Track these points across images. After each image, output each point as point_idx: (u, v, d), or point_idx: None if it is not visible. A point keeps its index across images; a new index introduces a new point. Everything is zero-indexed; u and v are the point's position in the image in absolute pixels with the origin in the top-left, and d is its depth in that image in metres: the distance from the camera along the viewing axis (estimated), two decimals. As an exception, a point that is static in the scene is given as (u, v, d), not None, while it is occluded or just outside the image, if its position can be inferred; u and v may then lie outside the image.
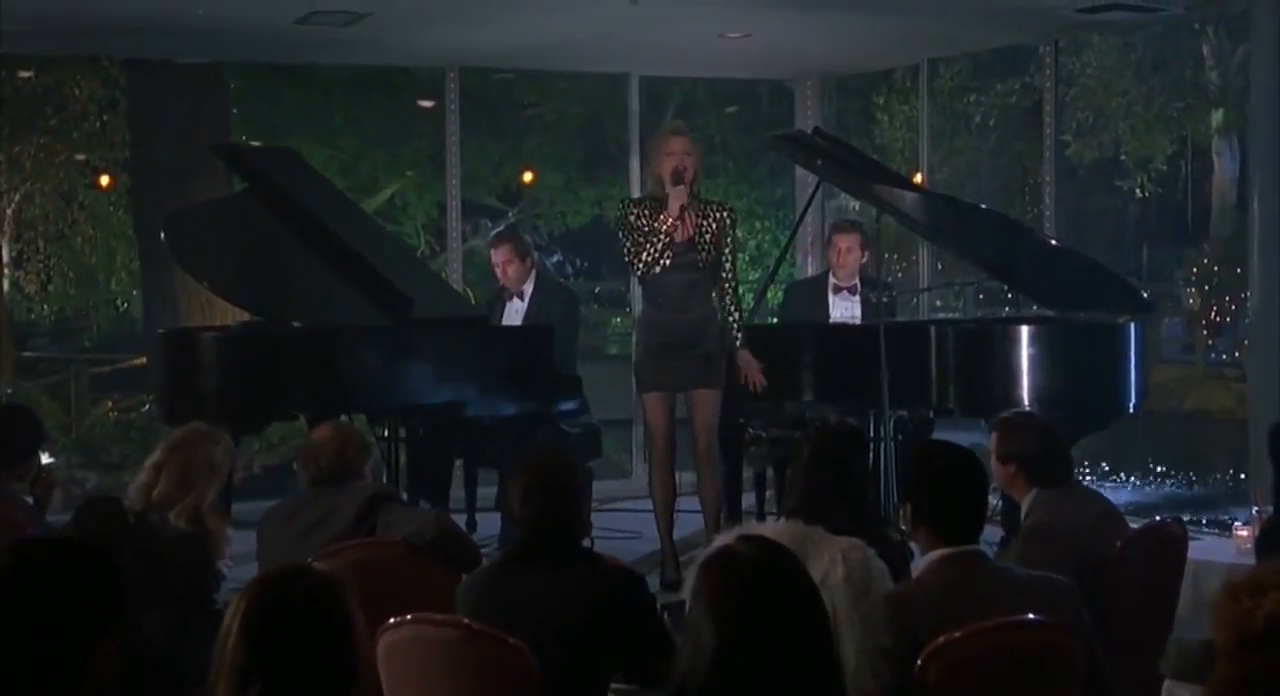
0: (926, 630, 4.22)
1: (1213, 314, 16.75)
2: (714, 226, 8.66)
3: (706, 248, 8.63)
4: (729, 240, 8.72)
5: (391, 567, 5.77)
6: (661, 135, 8.87)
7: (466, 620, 4.71)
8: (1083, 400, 8.50)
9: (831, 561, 4.75)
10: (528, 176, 18.09)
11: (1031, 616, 4.35)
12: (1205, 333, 16.80)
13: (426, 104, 15.07)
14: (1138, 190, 17.86)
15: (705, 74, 14.01)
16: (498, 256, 10.04)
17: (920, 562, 4.57)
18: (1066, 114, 16.23)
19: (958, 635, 4.19)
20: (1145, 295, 9.29)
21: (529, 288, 9.97)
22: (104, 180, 16.18)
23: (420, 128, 15.81)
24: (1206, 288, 16.94)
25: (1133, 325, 8.75)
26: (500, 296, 10.07)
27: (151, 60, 12.50)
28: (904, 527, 5.43)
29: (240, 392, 8.55)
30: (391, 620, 4.67)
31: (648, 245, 8.55)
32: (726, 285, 8.71)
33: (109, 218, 16.82)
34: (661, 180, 8.62)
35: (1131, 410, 8.86)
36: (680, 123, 9.31)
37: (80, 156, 16.35)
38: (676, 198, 8.52)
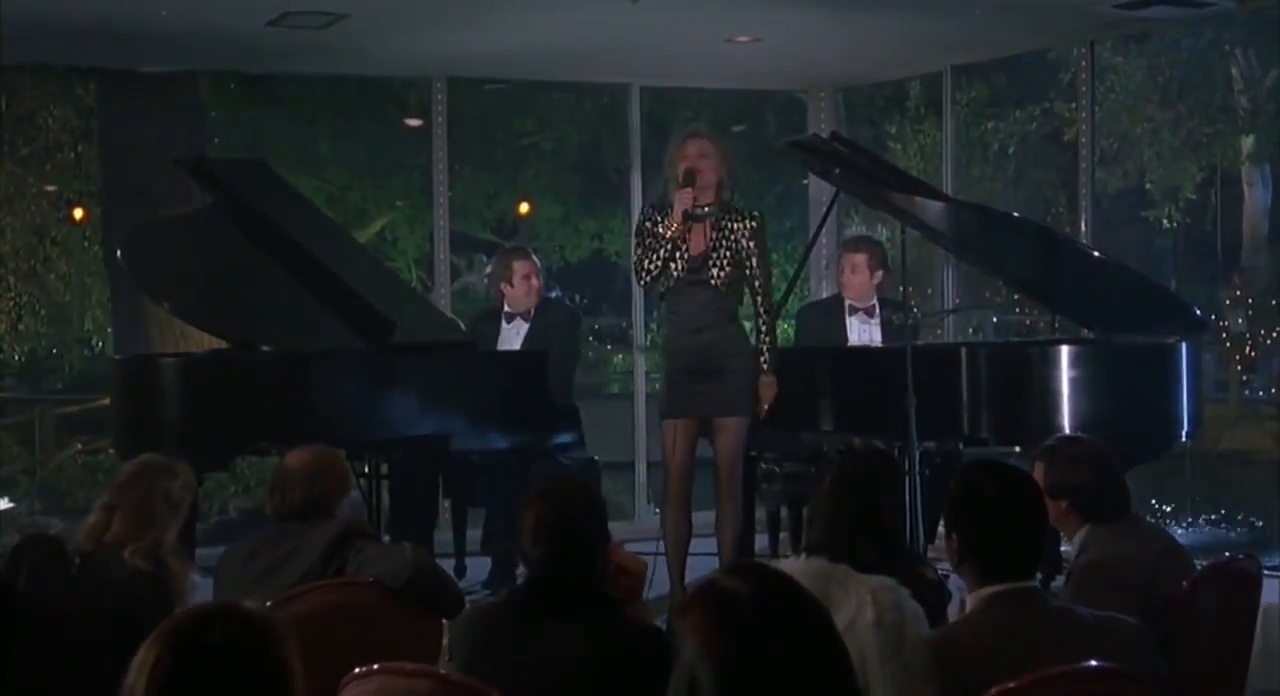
0: (977, 679, 3.82)
1: (1247, 349, 16.22)
2: (733, 238, 8.03)
3: (721, 263, 8.01)
4: (755, 251, 8.08)
5: (362, 612, 5.23)
6: (678, 139, 8.23)
7: (443, 671, 4.19)
8: (1131, 427, 7.85)
9: (860, 604, 4.31)
10: (524, 207, 17.67)
11: (1100, 663, 3.88)
12: (1240, 368, 16.23)
13: (414, 123, 14.64)
14: (1165, 221, 17.40)
15: (711, 84, 13.31)
16: (524, 268, 9.55)
17: (968, 601, 4.16)
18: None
19: (1013, 685, 3.76)
20: (1199, 313, 8.62)
21: (532, 309, 9.54)
22: (78, 213, 15.72)
23: (411, 159, 15.40)
24: (1241, 320, 16.44)
25: (1185, 345, 8.13)
26: (491, 317, 9.62)
27: (125, 86, 12.15)
28: (937, 571, 5.21)
29: (203, 424, 7.99)
30: (357, 670, 4.13)
31: (651, 254, 8.00)
32: (758, 304, 8.11)
33: (83, 253, 16.43)
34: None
35: (1185, 439, 8.27)
36: (701, 126, 8.66)
37: (50, 188, 15.92)
38: (680, 201, 7.94)
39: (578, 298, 19.12)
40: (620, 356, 17.69)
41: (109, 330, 15.25)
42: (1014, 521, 4.12)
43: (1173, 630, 5.04)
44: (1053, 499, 5.36)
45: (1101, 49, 10.96)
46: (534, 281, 9.50)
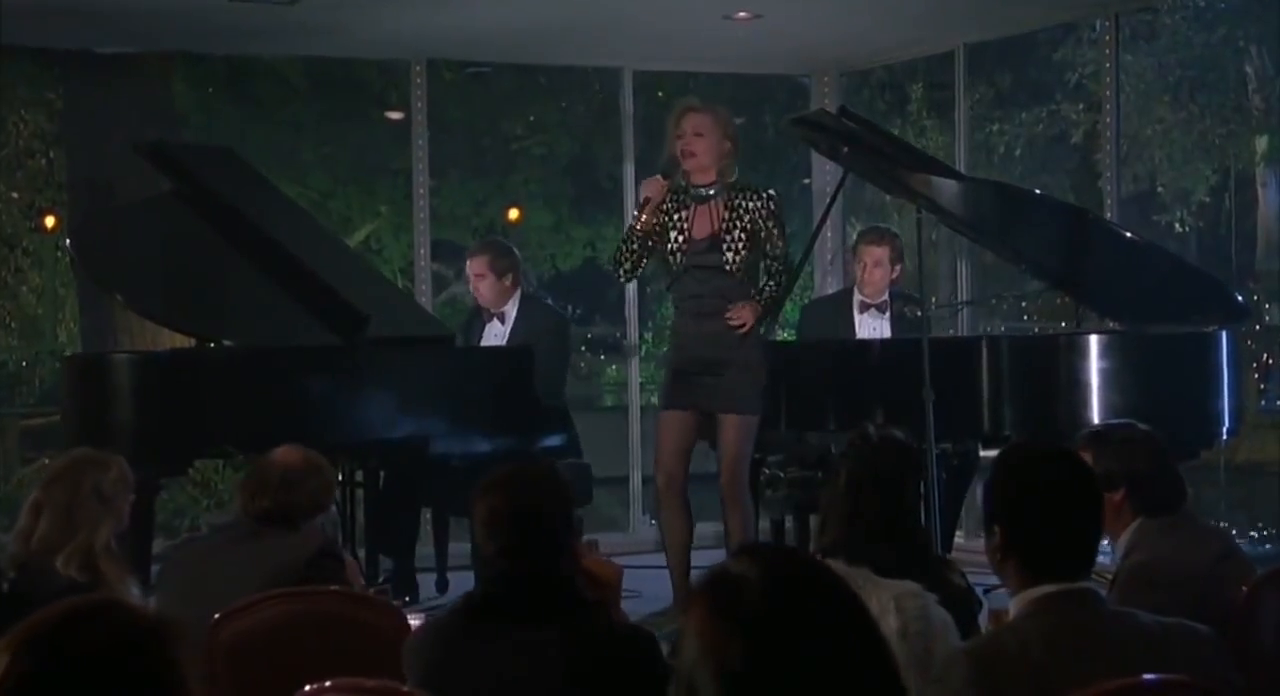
0: (1024, 694, 3.42)
1: (1264, 357, 15.77)
2: (748, 218, 7.50)
3: (736, 246, 7.47)
4: (775, 233, 7.55)
5: (324, 622, 4.83)
6: (673, 113, 7.73)
7: (406, 688, 3.73)
8: (1167, 423, 7.23)
9: (881, 611, 4.01)
10: (513, 214, 17.30)
11: (1167, 676, 3.44)
12: (1256, 376, 15.78)
13: (395, 116, 14.17)
14: (1177, 225, 17.01)
15: (708, 68, 12.82)
16: (471, 268, 9.21)
17: (1012, 605, 3.66)
18: (1096, 145, 15.16)
19: (1068, 702, 3.31)
20: (1240, 299, 8.15)
21: (511, 309, 9.08)
22: (49, 222, 15.30)
23: (394, 163, 15.05)
24: (1258, 327, 16.02)
25: (1225, 334, 7.75)
26: (478, 316, 9.24)
27: (93, 81, 11.82)
28: (965, 577, 4.78)
29: (160, 426, 7.56)
30: (308, 688, 3.66)
31: (624, 245, 7.61)
32: (773, 269, 7.56)
33: (56, 263, 16.06)
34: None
35: (1225, 436, 7.88)
36: (694, 98, 8.04)
37: (14, 194, 15.55)
38: (647, 188, 7.50)
39: (570, 308, 18.87)
40: (614, 367, 17.48)
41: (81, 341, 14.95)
42: (1066, 510, 3.64)
43: (1232, 640, 4.55)
44: (1108, 491, 4.90)
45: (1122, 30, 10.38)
46: (482, 285, 9.10)
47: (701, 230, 7.49)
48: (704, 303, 7.50)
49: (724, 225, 7.48)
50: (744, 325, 7.45)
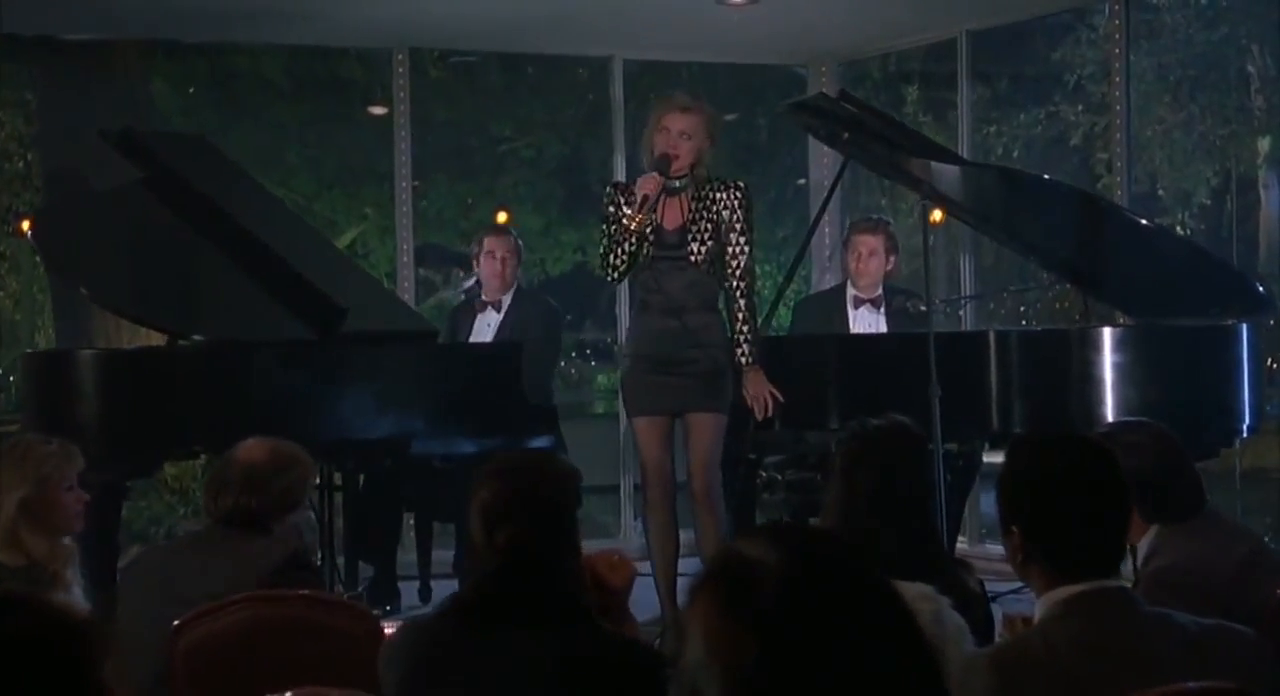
0: None
1: (1269, 361, 15.54)
2: (716, 211, 7.18)
3: (702, 237, 7.16)
4: (739, 226, 7.20)
5: (292, 628, 4.53)
6: (660, 106, 7.33)
7: None
8: (1185, 420, 7.00)
9: None
10: (502, 217, 17.10)
11: (1209, 683, 3.21)
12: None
13: (379, 111, 13.98)
14: (1178, 227, 16.81)
15: (701, 57, 12.61)
16: (500, 248, 8.95)
17: (1037, 607, 3.40)
18: (1095, 146, 15.35)
19: (1101, 713, 3.11)
20: (1263, 290, 7.92)
21: (507, 299, 8.92)
22: (26, 226, 14.99)
23: (380, 165, 14.81)
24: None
25: (1245, 327, 7.52)
26: (466, 309, 9.04)
27: (69, 77, 11.71)
28: (982, 583, 4.67)
29: (126, 425, 7.27)
30: None
31: (616, 247, 7.18)
32: (735, 285, 7.20)
33: (34, 268, 15.84)
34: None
35: (1245, 433, 7.65)
36: (684, 97, 7.63)
37: None
38: (644, 185, 7.06)
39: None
40: (604, 375, 17.33)
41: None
42: (1091, 502, 3.37)
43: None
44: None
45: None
46: (507, 265, 8.92)
47: (672, 222, 7.19)
48: (672, 299, 7.18)
49: (691, 216, 7.19)
50: (769, 397, 7.21)
